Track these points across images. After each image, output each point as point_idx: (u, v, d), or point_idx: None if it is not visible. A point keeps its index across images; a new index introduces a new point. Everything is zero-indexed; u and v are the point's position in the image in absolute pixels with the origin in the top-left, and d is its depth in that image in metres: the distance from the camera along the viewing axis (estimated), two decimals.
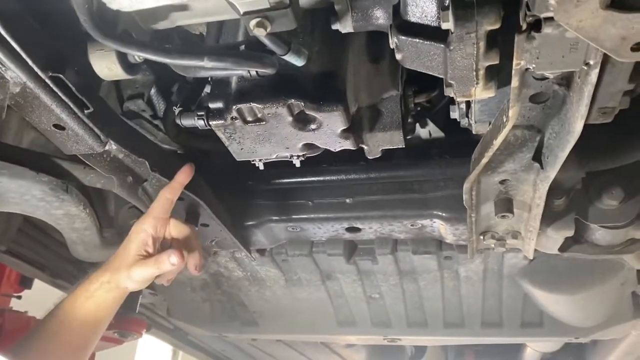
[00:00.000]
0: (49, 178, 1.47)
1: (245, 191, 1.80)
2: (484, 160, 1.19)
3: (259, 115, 1.20)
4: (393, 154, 1.56)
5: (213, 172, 1.68)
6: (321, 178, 1.73)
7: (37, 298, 2.11)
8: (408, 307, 2.29)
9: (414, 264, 1.97)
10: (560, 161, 1.12)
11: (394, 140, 1.32)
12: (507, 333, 2.30)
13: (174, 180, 1.43)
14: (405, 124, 1.32)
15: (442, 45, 0.89)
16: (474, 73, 0.91)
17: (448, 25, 0.84)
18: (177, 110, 1.35)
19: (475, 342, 2.92)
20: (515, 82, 0.92)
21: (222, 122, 1.22)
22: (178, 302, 2.53)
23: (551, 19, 0.74)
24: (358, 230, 1.78)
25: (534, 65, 0.86)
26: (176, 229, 1.44)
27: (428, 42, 0.90)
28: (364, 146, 1.35)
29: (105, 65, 1.10)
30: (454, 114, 1.25)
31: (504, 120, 1.05)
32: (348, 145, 1.29)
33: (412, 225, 1.71)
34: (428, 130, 1.75)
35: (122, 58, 1.09)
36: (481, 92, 0.96)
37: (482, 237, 1.55)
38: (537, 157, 1.19)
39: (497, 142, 1.12)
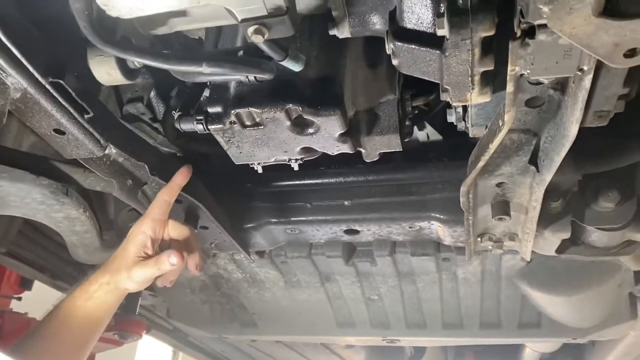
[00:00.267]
0: (49, 181, 1.48)
1: (244, 193, 1.80)
2: (481, 164, 1.20)
3: (257, 120, 1.21)
4: (391, 156, 1.56)
5: (212, 175, 1.69)
6: (320, 180, 1.74)
7: (37, 299, 2.12)
8: (407, 308, 2.30)
9: (412, 266, 1.98)
10: (556, 164, 1.13)
11: (392, 143, 1.32)
12: (505, 334, 2.31)
13: (171, 181, 1.43)
14: (402, 128, 1.33)
15: (438, 52, 0.89)
16: (470, 79, 0.92)
17: (443, 32, 0.85)
18: (176, 114, 1.36)
19: (473, 342, 2.94)
20: (510, 87, 0.93)
21: (221, 126, 1.23)
22: (178, 304, 2.54)
23: (545, 26, 0.75)
24: (356, 232, 1.79)
25: (528, 71, 0.86)
26: (175, 230, 1.45)
27: (424, 49, 0.91)
28: (361, 150, 1.36)
29: (105, 71, 1.11)
30: (451, 118, 1.26)
31: (500, 124, 1.06)
32: (346, 148, 1.30)
33: (410, 227, 1.72)
34: (426, 133, 1.76)
35: (122, 63, 1.10)
36: (477, 97, 0.97)
37: (479, 239, 1.56)
38: (533, 160, 1.20)
39: (494, 145, 1.13)
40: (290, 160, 1.36)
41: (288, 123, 1.20)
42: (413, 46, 0.92)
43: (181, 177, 1.44)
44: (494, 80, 0.97)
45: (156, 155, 1.53)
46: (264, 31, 0.89)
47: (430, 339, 2.56)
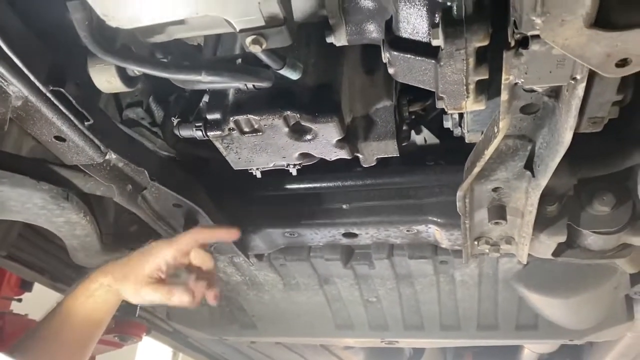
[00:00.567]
0: (50, 186, 1.49)
1: (243, 197, 1.81)
2: (476, 170, 1.21)
3: (256, 127, 1.23)
4: (389, 160, 1.57)
5: (211, 179, 1.70)
6: (318, 185, 1.75)
7: (38, 301, 2.12)
8: (405, 310, 2.31)
9: (410, 269, 1.99)
10: (551, 170, 1.14)
11: (389, 149, 1.34)
12: (502, 335, 2.33)
13: (215, 230, 1.46)
14: (399, 133, 1.34)
15: (433, 61, 0.91)
16: (464, 87, 0.93)
17: (438, 42, 0.86)
18: (175, 121, 1.37)
19: (471, 344, 2.95)
20: (504, 95, 0.94)
21: (220, 133, 1.24)
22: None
23: (538, 36, 0.76)
24: (355, 235, 1.80)
25: (522, 80, 0.88)
26: (199, 259, 1.41)
27: (419, 58, 0.92)
28: (359, 155, 1.37)
29: (105, 79, 1.12)
30: (447, 124, 1.27)
31: (495, 131, 1.07)
32: (343, 154, 1.31)
33: (407, 230, 1.73)
34: (423, 137, 1.77)
35: (122, 72, 1.11)
36: (472, 105, 0.99)
37: (476, 243, 1.57)
38: (529, 165, 1.21)
39: (489, 151, 1.14)
40: (288, 165, 1.38)
41: (286, 130, 1.22)
42: (409, 56, 0.93)
43: (227, 234, 1.45)
44: (488, 88, 0.98)
45: (156, 160, 1.54)
46: (262, 41, 0.90)
47: (428, 340, 2.57)
